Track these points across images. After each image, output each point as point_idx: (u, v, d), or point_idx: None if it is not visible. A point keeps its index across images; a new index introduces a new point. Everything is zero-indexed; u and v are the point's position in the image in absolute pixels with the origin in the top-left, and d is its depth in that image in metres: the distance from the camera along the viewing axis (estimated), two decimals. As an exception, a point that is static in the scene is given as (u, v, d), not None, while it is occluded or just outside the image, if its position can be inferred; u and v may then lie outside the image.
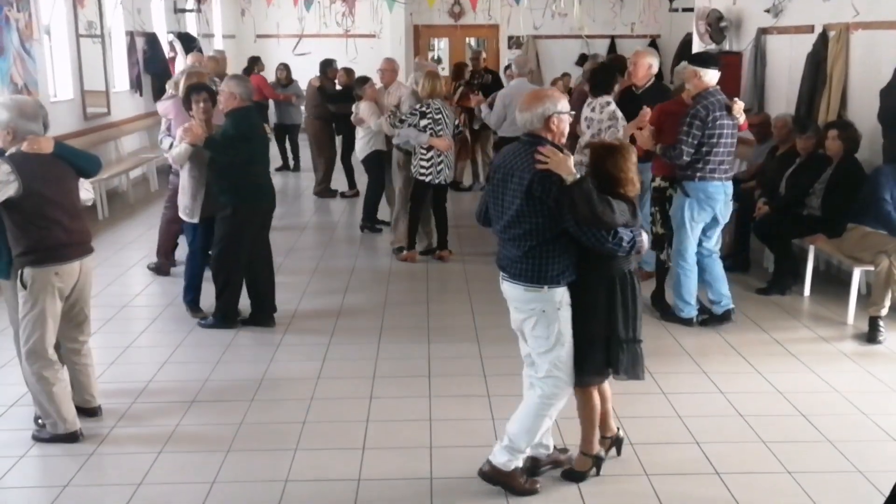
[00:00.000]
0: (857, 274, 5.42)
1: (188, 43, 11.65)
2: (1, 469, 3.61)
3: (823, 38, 6.66)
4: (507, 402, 3.84)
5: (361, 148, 7.68)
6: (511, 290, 3.31)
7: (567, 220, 3.14)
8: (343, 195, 9.59)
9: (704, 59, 5.19)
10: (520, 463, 3.37)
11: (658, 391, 4.35)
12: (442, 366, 4.71)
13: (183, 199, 5.27)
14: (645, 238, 3.31)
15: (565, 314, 3.25)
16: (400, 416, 4.08)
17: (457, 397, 4.30)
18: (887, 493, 3.34)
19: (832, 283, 6.24)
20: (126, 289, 6.30)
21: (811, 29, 6.96)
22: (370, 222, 7.87)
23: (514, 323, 3.39)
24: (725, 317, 5.30)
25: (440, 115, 6.52)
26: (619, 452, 3.66)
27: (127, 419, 4.07)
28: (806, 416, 4.06)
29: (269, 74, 11.69)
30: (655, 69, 6.10)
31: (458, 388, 4.41)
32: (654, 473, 3.53)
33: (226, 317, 5.23)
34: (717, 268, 5.29)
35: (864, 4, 6.12)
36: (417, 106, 6.56)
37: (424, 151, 6.51)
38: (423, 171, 6.56)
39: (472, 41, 16.22)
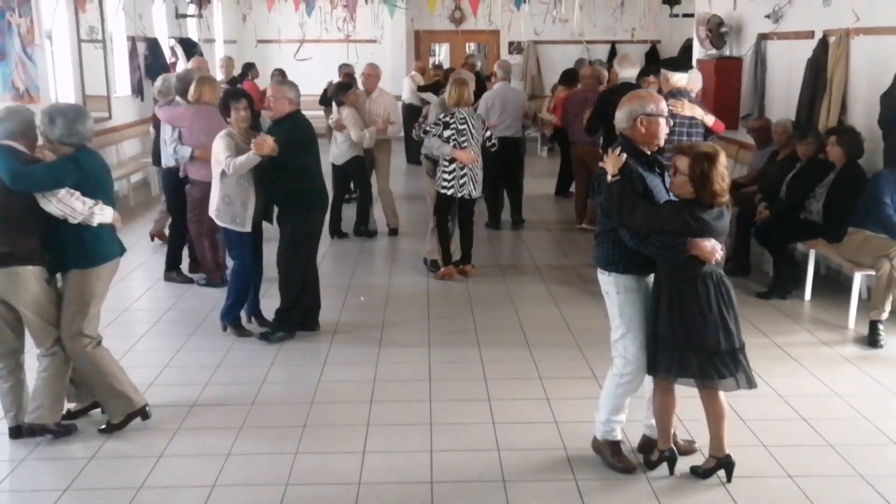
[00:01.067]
0: (857, 278, 5.42)
1: (189, 48, 11.68)
2: (0, 474, 3.60)
3: (824, 44, 6.67)
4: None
5: (341, 153, 7.53)
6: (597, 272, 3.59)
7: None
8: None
9: (673, 64, 5.84)
10: (611, 436, 3.59)
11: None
12: (444, 370, 4.71)
13: (230, 209, 4.95)
14: (700, 244, 3.25)
15: (629, 300, 3.44)
16: (401, 421, 4.08)
17: (457, 400, 4.31)
18: (888, 497, 3.34)
19: (833, 287, 6.24)
20: (127, 293, 6.29)
21: (811, 34, 6.97)
22: (363, 225, 7.81)
23: None
24: None
25: (465, 126, 6.19)
26: (671, 471, 3.54)
27: (136, 423, 4.05)
28: (807, 420, 4.05)
29: (266, 79, 11.68)
30: (622, 76, 6.86)
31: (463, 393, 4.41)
32: (654, 477, 3.52)
33: (295, 324, 5.15)
34: None
35: (865, 10, 6.13)
36: (442, 115, 6.29)
37: (447, 163, 6.24)
38: (445, 183, 6.29)
39: (473, 46, 16.27)
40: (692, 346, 3.32)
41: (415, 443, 3.84)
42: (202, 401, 4.31)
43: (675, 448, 3.57)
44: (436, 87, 10.82)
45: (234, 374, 4.68)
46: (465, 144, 6.20)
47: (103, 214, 3.77)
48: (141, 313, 5.85)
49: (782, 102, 7.48)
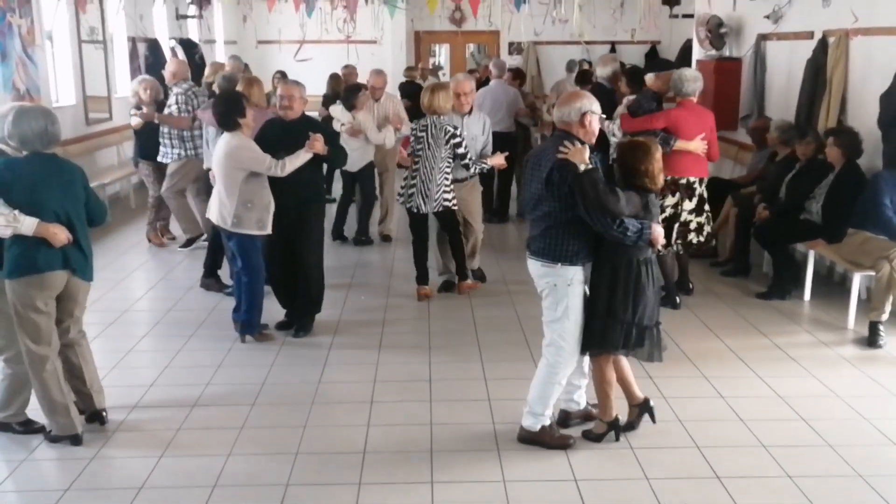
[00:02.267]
0: (857, 279, 5.43)
1: (190, 49, 11.69)
2: (1, 474, 3.61)
3: (823, 45, 6.68)
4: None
5: (355, 160, 7.30)
6: (531, 266, 3.72)
7: (579, 206, 3.49)
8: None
9: (658, 66, 6.20)
10: (546, 422, 3.77)
11: (658, 395, 4.34)
12: (443, 370, 4.71)
13: (252, 214, 4.85)
14: (657, 230, 3.61)
15: (576, 290, 3.61)
16: (401, 421, 4.09)
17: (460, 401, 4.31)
18: (888, 497, 3.35)
19: (832, 287, 6.25)
20: (127, 293, 6.31)
21: (811, 35, 6.98)
22: (364, 234, 7.72)
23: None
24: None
25: (423, 134, 5.70)
26: (653, 420, 3.90)
27: (128, 423, 4.07)
28: (806, 421, 4.06)
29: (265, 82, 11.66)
30: (598, 74, 7.46)
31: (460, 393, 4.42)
32: (653, 477, 3.53)
33: (316, 311, 5.32)
34: None
35: (864, 11, 6.14)
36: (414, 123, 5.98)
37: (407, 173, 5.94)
38: (400, 190, 6.02)
39: (473, 47, 16.27)
40: (636, 321, 3.64)
41: (415, 442, 3.84)
42: (203, 401, 4.32)
43: (619, 417, 3.84)
44: (409, 88, 10.86)
45: (234, 374, 4.68)
46: (420, 154, 5.71)
47: (19, 225, 3.52)
48: (142, 314, 5.85)
49: (782, 103, 7.49)
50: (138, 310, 5.94)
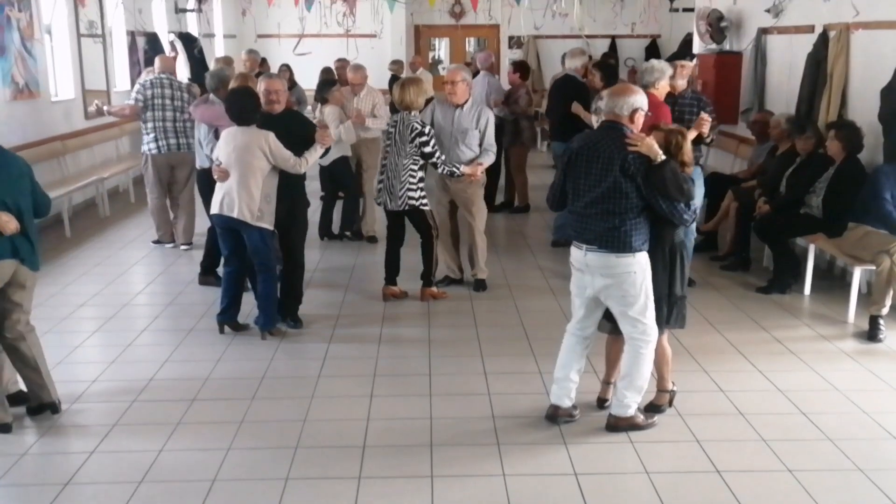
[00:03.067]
0: (857, 273, 5.43)
1: (189, 43, 11.66)
2: (2, 468, 3.61)
3: (824, 38, 6.66)
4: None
5: (329, 154, 7.43)
6: (598, 259, 3.71)
7: (654, 196, 3.59)
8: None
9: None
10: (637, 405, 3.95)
11: (657, 390, 4.35)
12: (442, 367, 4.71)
13: (270, 207, 4.91)
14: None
15: (649, 273, 3.76)
16: (401, 415, 4.09)
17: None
18: (888, 491, 3.35)
19: (833, 282, 6.24)
20: (127, 287, 6.31)
21: (811, 29, 6.96)
22: (349, 228, 7.58)
23: (589, 290, 3.80)
24: None
25: (393, 130, 5.59)
26: (670, 405, 4.12)
27: (128, 417, 4.07)
28: (806, 415, 4.06)
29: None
30: (567, 65, 7.83)
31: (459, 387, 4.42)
32: (654, 471, 3.53)
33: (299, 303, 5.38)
34: None
35: (865, 4, 6.12)
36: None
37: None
38: (378, 185, 5.84)
39: (473, 41, 16.23)
40: (685, 294, 4.00)
41: (415, 436, 3.84)
42: (203, 395, 4.31)
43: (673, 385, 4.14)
44: (392, 83, 10.84)
45: (234, 368, 4.68)
46: (388, 149, 5.60)
47: None
48: (141, 308, 5.85)
49: (782, 97, 7.47)
50: (138, 304, 5.93)
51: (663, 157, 3.58)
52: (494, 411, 4.09)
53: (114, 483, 3.47)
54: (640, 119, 3.73)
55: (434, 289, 5.86)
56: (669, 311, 3.93)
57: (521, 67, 8.97)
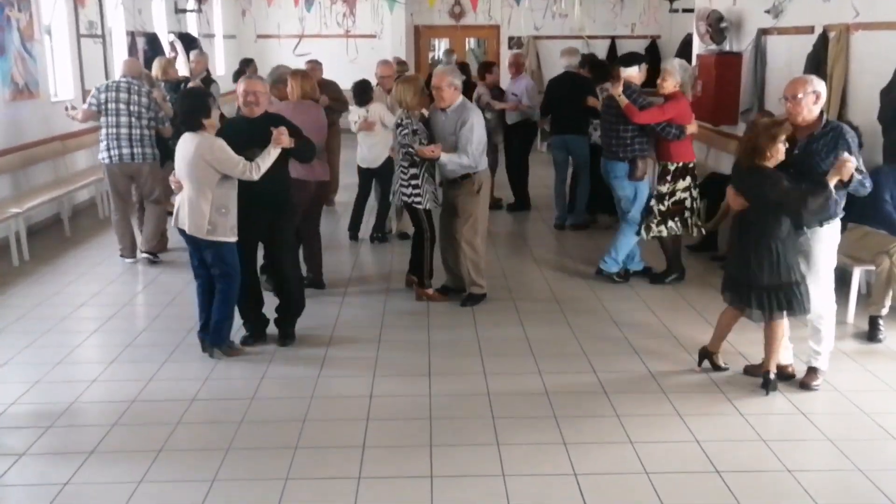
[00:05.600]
0: (857, 273, 5.42)
1: (189, 43, 11.66)
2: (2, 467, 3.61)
3: (823, 39, 6.66)
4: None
5: (374, 156, 7.25)
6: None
7: None
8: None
9: (626, 60, 6.26)
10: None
11: (657, 390, 4.35)
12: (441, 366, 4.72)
13: (227, 219, 4.56)
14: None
15: None
16: (400, 415, 4.09)
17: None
18: (887, 492, 3.35)
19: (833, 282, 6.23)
20: (127, 287, 6.31)
21: (811, 30, 6.96)
22: (380, 231, 7.55)
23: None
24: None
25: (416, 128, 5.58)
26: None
27: (127, 418, 4.06)
28: (806, 415, 4.06)
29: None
30: (563, 63, 8.12)
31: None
32: (653, 472, 3.53)
33: (299, 313, 5.11)
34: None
35: (864, 5, 6.13)
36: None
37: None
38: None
39: (473, 41, 16.24)
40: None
41: (415, 437, 3.84)
42: (202, 395, 4.30)
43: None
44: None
45: (232, 370, 4.67)
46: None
47: None
48: (140, 308, 5.84)
49: (782, 98, 7.46)
50: (138, 304, 5.94)
51: None
52: (494, 412, 4.09)
53: (113, 483, 3.46)
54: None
55: (430, 290, 5.84)
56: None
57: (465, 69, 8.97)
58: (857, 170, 4.04)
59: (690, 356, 4.80)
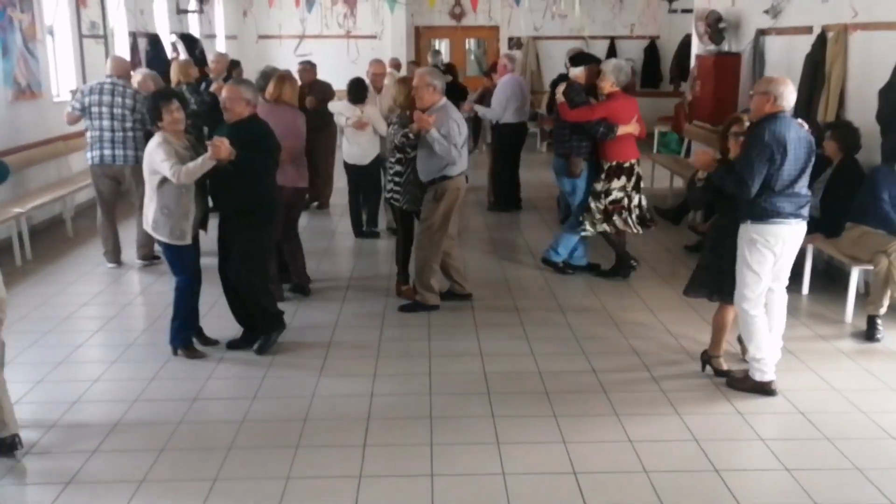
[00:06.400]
0: (855, 273, 5.44)
1: (190, 44, 11.67)
2: None
3: (822, 39, 6.68)
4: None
5: (363, 154, 7.36)
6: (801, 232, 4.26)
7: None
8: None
9: (574, 59, 6.54)
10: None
11: (656, 389, 4.37)
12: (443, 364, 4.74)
13: (169, 221, 4.58)
14: None
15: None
16: (401, 414, 4.11)
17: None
18: (886, 491, 3.37)
19: (830, 281, 6.26)
20: (129, 287, 6.33)
21: (810, 30, 6.98)
22: (374, 226, 7.69)
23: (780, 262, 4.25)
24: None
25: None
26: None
27: (129, 417, 4.08)
28: (804, 414, 4.08)
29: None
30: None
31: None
32: (652, 470, 3.55)
33: (276, 327, 4.92)
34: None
35: (863, 5, 6.15)
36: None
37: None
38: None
39: (473, 42, 16.25)
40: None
41: (415, 435, 3.86)
42: (203, 395, 4.32)
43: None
44: None
45: (232, 370, 4.69)
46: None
47: None
48: (140, 308, 5.86)
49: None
50: (137, 304, 5.95)
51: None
52: (494, 410, 4.11)
53: (112, 482, 3.48)
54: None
55: (405, 287, 5.82)
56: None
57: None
58: (723, 163, 4.22)
59: (689, 356, 4.82)
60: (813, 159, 4.16)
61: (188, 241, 4.65)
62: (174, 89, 5.60)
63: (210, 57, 9.29)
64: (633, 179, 6.19)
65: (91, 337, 5.23)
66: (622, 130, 5.99)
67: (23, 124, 7.80)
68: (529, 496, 3.36)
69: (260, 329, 4.90)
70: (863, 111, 6.06)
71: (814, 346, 5.04)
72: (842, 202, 5.57)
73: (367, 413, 4.09)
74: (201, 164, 4.44)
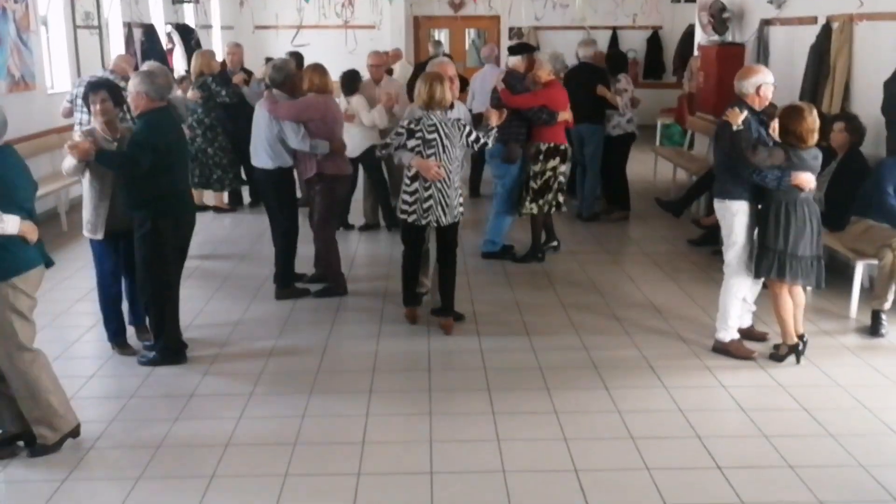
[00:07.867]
0: (859, 267, 5.39)
1: (186, 34, 11.59)
2: (-2, 464, 3.59)
3: (827, 30, 6.62)
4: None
5: (354, 146, 7.12)
6: (715, 204, 4.69)
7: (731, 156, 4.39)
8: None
9: (513, 49, 6.78)
10: (735, 335, 4.67)
11: (659, 385, 4.33)
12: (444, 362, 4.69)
13: (84, 213, 4.53)
14: (799, 177, 4.32)
15: (739, 221, 4.52)
16: (400, 411, 4.07)
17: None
18: (889, 487, 3.33)
19: (835, 276, 6.18)
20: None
21: (814, 20, 6.91)
22: (391, 220, 7.46)
23: None
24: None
25: (434, 135, 4.84)
26: (797, 360, 4.57)
27: (125, 414, 4.04)
28: (808, 410, 4.04)
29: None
30: (581, 54, 8.17)
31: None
32: (655, 468, 3.51)
33: (171, 350, 4.60)
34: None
35: (868, -5, 6.08)
36: (406, 122, 4.98)
37: (408, 181, 4.94)
38: (405, 206, 4.97)
39: (473, 32, 16.15)
40: (789, 252, 4.39)
41: (414, 432, 3.81)
42: (200, 391, 4.27)
43: (798, 341, 4.56)
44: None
45: (228, 367, 4.64)
46: (432, 156, 4.86)
47: (4, 225, 3.29)
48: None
49: (785, 89, 7.40)
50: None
51: (738, 127, 4.35)
52: (494, 407, 4.07)
53: (111, 479, 3.44)
54: (766, 91, 4.48)
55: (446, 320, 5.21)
56: (775, 264, 4.41)
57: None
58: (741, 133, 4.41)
59: (692, 352, 4.78)
60: None
61: (99, 236, 4.52)
62: (109, 79, 5.46)
63: (224, 49, 9.23)
64: (560, 162, 6.45)
65: (86, 333, 5.17)
66: (560, 117, 6.35)
67: (16, 116, 7.69)
68: (530, 494, 3.32)
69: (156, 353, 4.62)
70: (868, 102, 6.00)
71: (818, 341, 4.98)
72: (847, 195, 5.51)
73: (366, 410, 4.05)
74: (67, 162, 4.38)
